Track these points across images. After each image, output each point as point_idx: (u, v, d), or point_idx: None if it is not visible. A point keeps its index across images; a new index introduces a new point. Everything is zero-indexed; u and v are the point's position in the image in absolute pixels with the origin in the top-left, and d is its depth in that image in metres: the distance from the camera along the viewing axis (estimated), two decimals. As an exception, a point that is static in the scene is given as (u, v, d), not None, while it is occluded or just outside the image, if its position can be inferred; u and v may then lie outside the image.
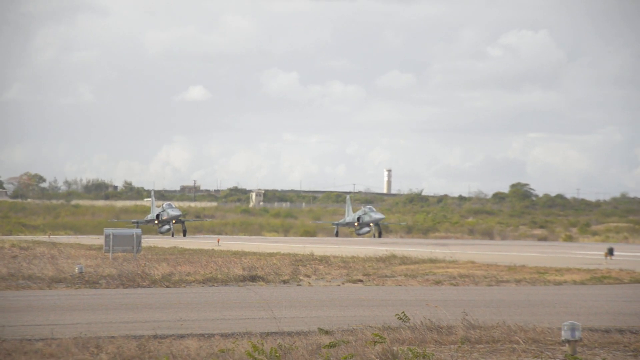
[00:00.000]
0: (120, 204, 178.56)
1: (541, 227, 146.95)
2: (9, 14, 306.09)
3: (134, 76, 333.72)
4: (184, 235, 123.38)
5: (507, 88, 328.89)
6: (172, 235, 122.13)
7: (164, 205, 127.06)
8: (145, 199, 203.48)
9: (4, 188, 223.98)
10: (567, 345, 23.41)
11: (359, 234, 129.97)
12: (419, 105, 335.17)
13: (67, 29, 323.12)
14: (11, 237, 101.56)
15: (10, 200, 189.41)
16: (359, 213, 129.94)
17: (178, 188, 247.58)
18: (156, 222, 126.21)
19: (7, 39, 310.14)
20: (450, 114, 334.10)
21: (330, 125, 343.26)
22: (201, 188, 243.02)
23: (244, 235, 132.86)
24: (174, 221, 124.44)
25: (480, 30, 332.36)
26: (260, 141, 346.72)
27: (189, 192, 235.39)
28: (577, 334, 23.25)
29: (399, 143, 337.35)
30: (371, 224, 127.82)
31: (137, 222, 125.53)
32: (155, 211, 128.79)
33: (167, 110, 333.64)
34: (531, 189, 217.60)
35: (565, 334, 23.30)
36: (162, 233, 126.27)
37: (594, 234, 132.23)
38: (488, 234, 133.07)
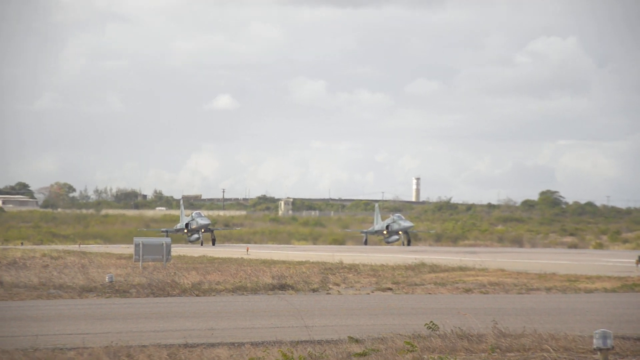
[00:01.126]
0: (150, 213, 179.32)
1: (571, 234, 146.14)
2: (40, 24, 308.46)
3: (163, 85, 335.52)
4: (213, 244, 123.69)
5: (535, 95, 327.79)
6: (202, 244, 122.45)
7: (193, 215, 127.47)
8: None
9: (34, 198, 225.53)
10: (598, 353, 23.27)
11: (387, 242, 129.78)
12: (447, 113, 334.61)
13: (96, 39, 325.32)
14: (42, 247, 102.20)
15: (41, 210, 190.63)
16: (387, 221, 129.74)
17: (207, 197, 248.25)
18: (185, 231, 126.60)
19: (38, 48, 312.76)
20: (478, 121, 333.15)
21: (358, 133, 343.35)
22: (228, 197, 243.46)
23: (273, 243, 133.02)
24: (203, 230, 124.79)
25: (507, 36, 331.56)
26: (288, 149, 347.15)
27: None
28: (609, 342, 23.11)
29: (428, 150, 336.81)
30: (400, 232, 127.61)
31: (167, 231, 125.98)
32: (184, 220, 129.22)
33: (195, 118, 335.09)
34: (561, 196, 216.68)
35: (597, 342, 23.17)
36: (192, 242, 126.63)
37: (625, 241, 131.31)
38: (517, 242, 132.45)
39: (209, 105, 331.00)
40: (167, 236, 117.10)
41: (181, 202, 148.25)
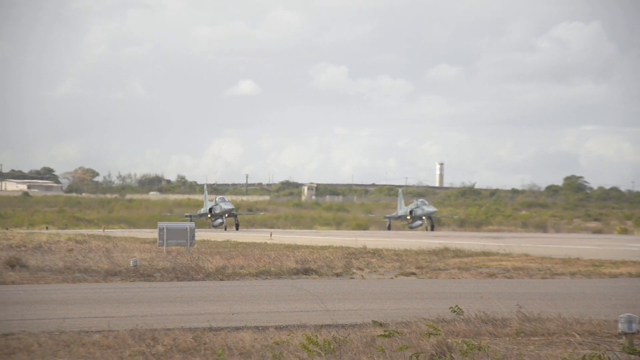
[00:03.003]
0: (173, 197, 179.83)
1: (595, 220, 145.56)
2: (62, 10, 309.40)
3: (185, 71, 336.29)
4: (237, 228, 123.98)
5: (558, 81, 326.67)
6: (225, 229, 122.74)
7: (217, 199, 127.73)
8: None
9: (59, 183, 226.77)
10: (624, 337, 23.19)
11: (411, 227, 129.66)
12: (469, 99, 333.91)
13: (118, 25, 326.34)
14: (67, 231, 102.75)
15: (66, 194, 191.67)
16: (411, 206, 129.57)
17: (230, 182, 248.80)
18: (209, 215, 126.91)
19: (61, 35, 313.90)
20: (500, 107, 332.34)
21: (380, 119, 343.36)
22: (250, 182, 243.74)
23: (296, 228, 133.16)
24: (226, 215, 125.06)
25: (529, 22, 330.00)
26: (311, 135, 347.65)
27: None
28: (634, 327, 23.02)
29: (449, 136, 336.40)
30: (423, 217, 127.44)
31: (191, 216, 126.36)
32: (208, 205, 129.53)
33: (217, 104, 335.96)
34: (585, 181, 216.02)
35: (622, 327, 23.08)
36: (215, 227, 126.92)
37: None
38: (542, 227, 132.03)
39: (231, 91, 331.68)
40: (191, 221, 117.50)
41: (205, 187, 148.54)
